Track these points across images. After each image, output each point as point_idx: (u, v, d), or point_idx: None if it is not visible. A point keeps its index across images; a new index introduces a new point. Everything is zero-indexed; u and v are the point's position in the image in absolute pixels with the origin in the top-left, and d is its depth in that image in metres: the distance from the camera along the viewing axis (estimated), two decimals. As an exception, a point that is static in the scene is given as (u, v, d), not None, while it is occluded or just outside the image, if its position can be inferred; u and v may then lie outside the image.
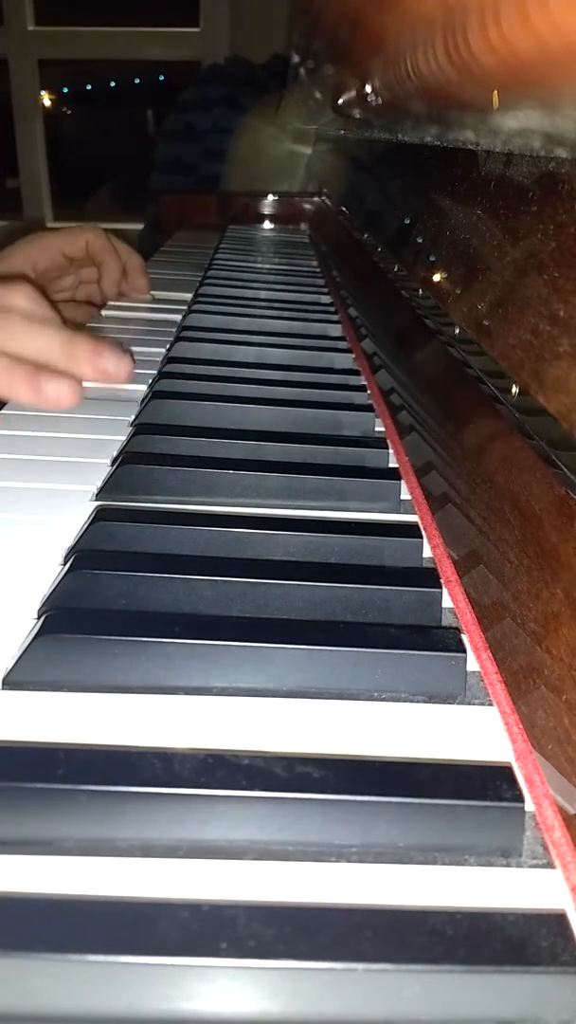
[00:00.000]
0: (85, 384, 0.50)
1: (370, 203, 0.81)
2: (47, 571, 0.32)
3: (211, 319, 0.68)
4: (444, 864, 0.21)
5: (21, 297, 0.50)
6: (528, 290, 0.32)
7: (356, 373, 0.58)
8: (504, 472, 0.33)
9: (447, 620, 0.31)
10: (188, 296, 0.79)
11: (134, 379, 0.51)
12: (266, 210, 1.39)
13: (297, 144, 1.65)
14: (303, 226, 1.36)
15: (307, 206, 1.38)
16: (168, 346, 0.61)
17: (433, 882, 0.20)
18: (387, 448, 0.45)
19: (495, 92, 0.27)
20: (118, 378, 0.49)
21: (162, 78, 2.93)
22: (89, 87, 3.11)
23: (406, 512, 0.39)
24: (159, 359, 0.59)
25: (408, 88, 0.39)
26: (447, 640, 0.28)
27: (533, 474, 0.30)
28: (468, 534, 0.35)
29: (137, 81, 3.04)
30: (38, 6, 2.65)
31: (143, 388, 0.53)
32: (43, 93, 2.78)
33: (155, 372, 0.55)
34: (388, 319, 0.63)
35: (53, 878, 0.20)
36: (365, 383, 0.55)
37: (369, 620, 0.30)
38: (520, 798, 0.22)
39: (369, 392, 0.53)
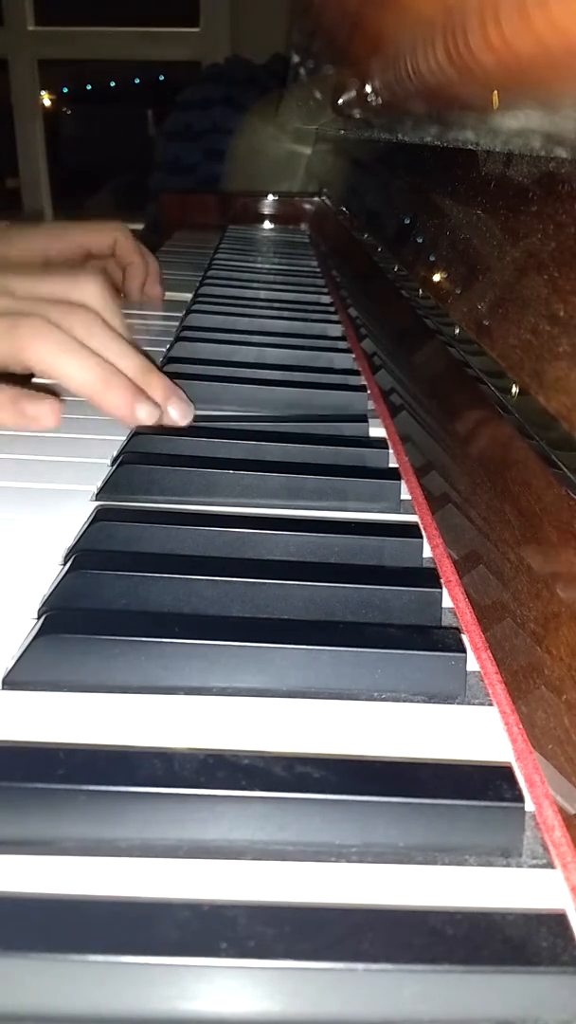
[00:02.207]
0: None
1: (370, 203, 0.81)
2: (47, 571, 0.32)
3: (211, 319, 0.68)
4: (444, 864, 0.21)
5: (95, 292, 0.48)
6: (528, 290, 0.32)
7: (356, 373, 0.58)
8: (504, 472, 0.33)
9: (447, 620, 0.31)
10: (188, 296, 0.79)
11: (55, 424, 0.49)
12: (266, 210, 1.39)
13: (297, 144, 1.65)
14: (303, 226, 1.36)
15: (307, 206, 1.38)
16: (168, 346, 0.61)
17: (433, 882, 0.20)
18: (387, 448, 0.45)
19: (495, 92, 0.27)
20: (175, 424, 0.48)
21: (162, 78, 2.93)
22: (89, 87, 3.11)
23: (406, 512, 0.39)
24: (159, 359, 0.59)
25: (408, 88, 0.39)
26: (447, 640, 0.28)
27: (533, 474, 0.30)
28: (468, 534, 0.35)
29: (137, 81, 3.04)
30: (38, 6, 2.65)
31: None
32: (43, 93, 2.78)
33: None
34: (388, 319, 0.63)
35: (53, 878, 0.20)
36: (365, 383, 0.55)
37: (369, 620, 0.30)
38: (520, 798, 0.22)
39: (369, 392, 0.53)
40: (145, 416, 0.45)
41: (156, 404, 0.45)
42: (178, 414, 0.47)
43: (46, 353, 0.44)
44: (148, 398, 0.45)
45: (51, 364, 0.44)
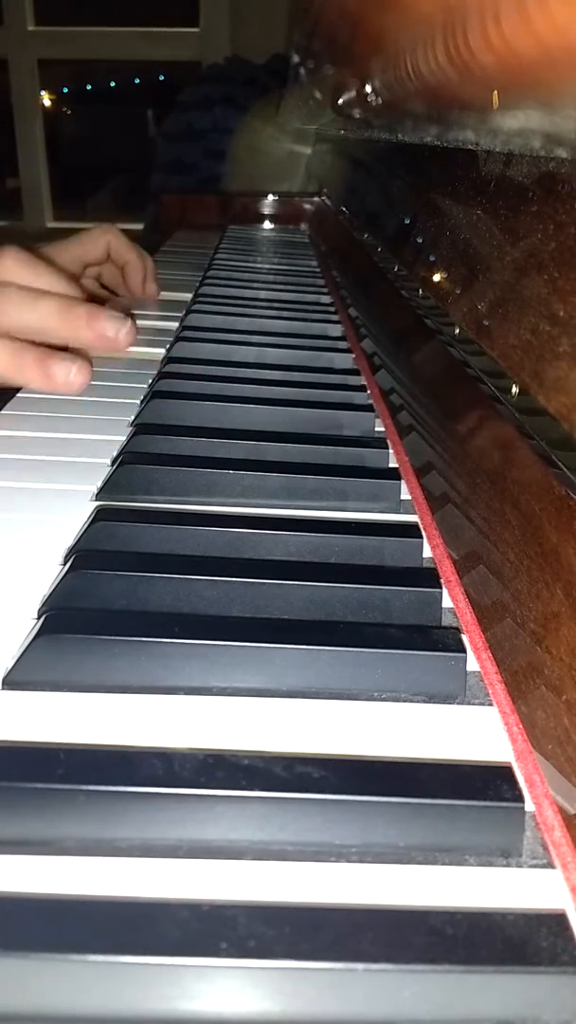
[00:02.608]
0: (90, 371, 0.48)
1: (370, 203, 0.81)
2: (47, 571, 0.32)
3: (211, 319, 0.68)
4: (444, 864, 0.21)
5: (10, 262, 0.48)
6: (528, 290, 0.32)
7: (356, 373, 0.58)
8: (504, 472, 0.33)
9: (447, 620, 0.31)
10: (188, 296, 0.79)
11: (132, 344, 0.49)
12: (266, 210, 1.39)
13: (297, 144, 1.65)
14: (303, 226, 1.36)
15: (307, 206, 1.38)
16: (168, 346, 0.61)
17: (433, 882, 0.20)
18: (387, 448, 0.45)
19: (495, 92, 0.27)
20: (119, 344, 0.48)
21: (162, 78, 2.93)
22: (89, 87, 3.11)
23: (406, 512, 0.39)
24: (159, 359, 0.59)
25: (408, 88, 0.39)
26: (447, 640, 0.28)
27: (533, 474, 0.30)
28: (468, 534, 0.35)
29: (137, 81, 3.04)
30: (38, 6, 2.65)
31: (143, 388, 0.53)
32: (43, 93, 2.79)
33: (155, 372, 0.55)
34: (388, 319, 0.63)
35: (53, 878, 0.20)
36: (365, 383, 0.55)
37: (369, 620, 0.30)
38: (520, 798, 0.22)
39: (369, 392, 0.53)
40: (63, 375, 0.45)
41: (74, 359, 0.45)
42: (112, 331, 0.47)
43: None
44: (63, 355, 0.45)
45: None
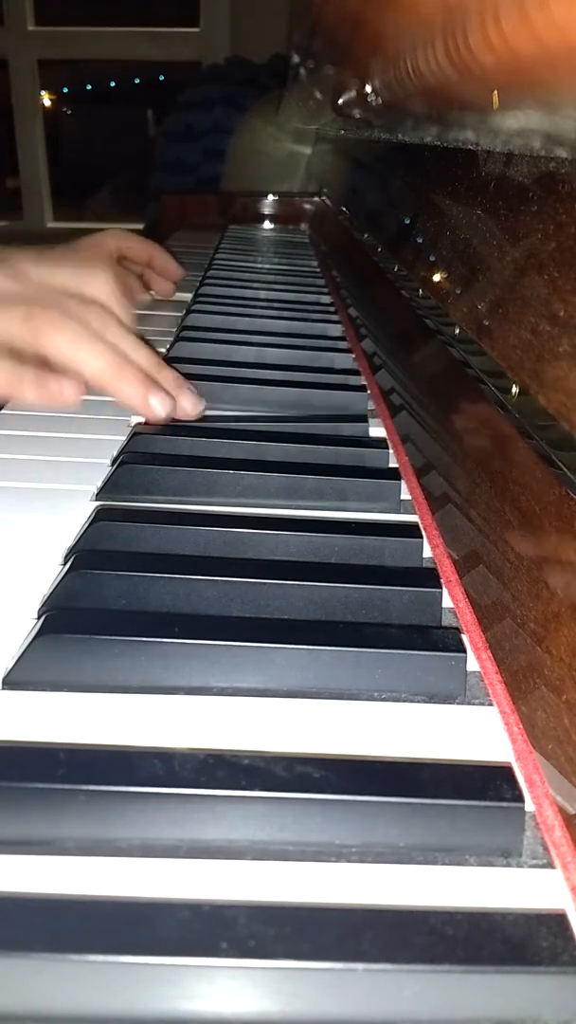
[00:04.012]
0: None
1: (370, 203, 0.81)
2: (47, 571, 0.32)
3: (211, 319, 0.68)
4: (444, 864, 0.21)
5: (105, 287, 0.49)
6: (528, 290, 0.32)
7: (356, 373, 0.58)
8: (504, 472, 0.33)
9: (447, 620, 0.31)
10: (188, 296, 0.79)
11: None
12: (266, 210, 1.39)
13: (297, 144, 1.65)
14: (303, 226, 1.36)
15: (307, 206, 1.38)
16: (168, 346, 0.61)
17: (433, 882, 0.20)
18: (387, 448, 0.45)
19: (495, 92, 0.27)
20: (187, 416, 0.48)
21: (162, 78, 2.93)
22: (89, 87, 3.11)
23: (406, 512, 0.39)
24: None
25: (408, 88, 0.39)
26: (447, 640, 0.28)
27: (533, 474, 0.30)
28: (468, 534, 0.35)
29: (137, 81, 3.04)
30: (38, 6, 2.65)
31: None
32: (43, 93, 2.79)
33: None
34: (388, 319, 0.63)
35: (53, 878, 0.20)
36: (365, 383, 0.55)
37: (369, 620, 0.30)
38: (520, 798, 0.22)
39: (369, 392, 0.53)
40: (158, 405, 0.45)
41: (168, 395, 0.46)
42: (189, 406, 0.47)
43: (63, 342, 0.45)
44: (161, 389, 0.46)
45: (67, 352, 0.45)
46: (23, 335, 0.45)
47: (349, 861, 0.21)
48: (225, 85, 2.07)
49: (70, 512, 0.37)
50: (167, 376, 0.47)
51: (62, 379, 0.47)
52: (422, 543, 0.35)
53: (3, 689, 0.26)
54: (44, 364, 0.47)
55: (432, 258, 0.49)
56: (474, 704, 0.27)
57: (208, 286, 0.80)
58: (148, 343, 0.49)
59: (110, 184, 3.07)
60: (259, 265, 0.97)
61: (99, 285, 0.50)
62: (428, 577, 0.32)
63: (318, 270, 0.97)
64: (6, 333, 0.45)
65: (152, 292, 0.79)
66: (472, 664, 0.28)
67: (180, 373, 0.49)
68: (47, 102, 2.84)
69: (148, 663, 0.27)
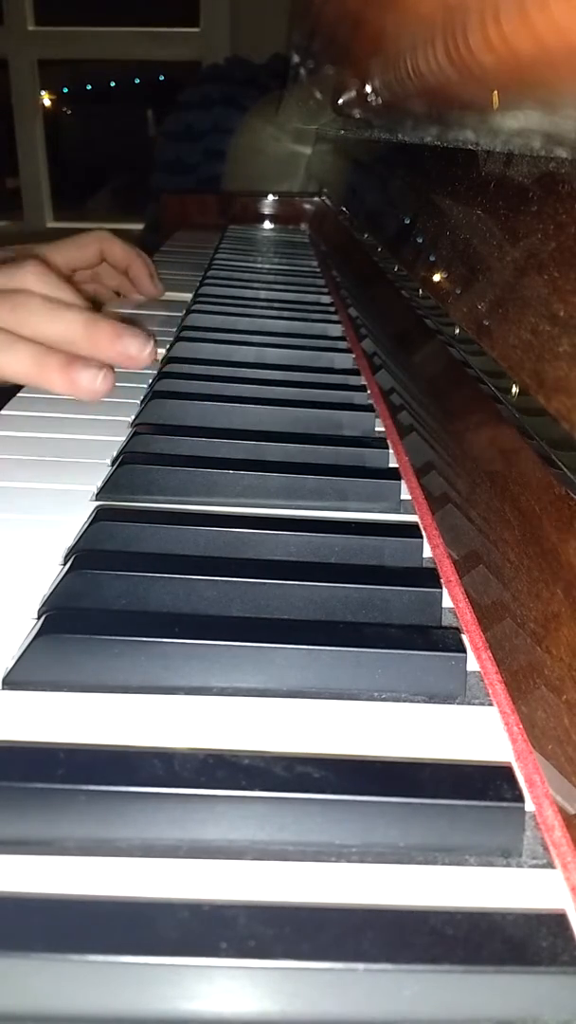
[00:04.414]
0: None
1: (370, 203, 0.81)
2: (47, 571, 0.32)
3: (211, 319, 0.68)
4: (444, 864, 0.21)
5: (32, 276, 0.49)
6: (528, 290, 0.32)
7: (356, 373, 0.58)
8: (504, 472, 0.33)
9: (447, 620, 0.31)
10: (188, 296, 0.79)
11: (156, 362, 0.50)
12: (266, 210, 1.39)
13: (297, 144, 1.65)
14: (303, 226, 1.36)
15: (307, 206, 1.38)
16: (168, 346, 0.61)
17: (433, 882, 0.20)
18: (387, 448, 0.45)
19: (495, 92, 0.27)
20: (141, 361, 0.48)
21: (162, 78, 2.93)
22: (89, 87, 3.11)
23: (406, 512, 0.39)
24: (159, 359, 0.59)
25: (408, 88, 0.39)
26: (447, 640, 0.28)
27: (533, 474, 0.30)
28: (468, 534, 0.35)
29: (137, 81, 3.04)
30: (38, 6, 2.65)
31: (143, 388, 0.53)
32: (43, 93, 2.78)
33: (155, 372, 0.55)
34: (388, 319, 0.63)
35: (53, 878, 0.20)
36: (365, 383, 0.55)
37: (369, 620, 0.30)
38: (520, 798, 0.22)
39: (369, 392, 0.53)
40: (87, 381, 0.45)
41: (100, 365, 0.46)
42: (135, 350, 0.47)
43: None
44: (88, 361, 0.46)
45: None
46: None
47: (349, 861, 0.21)
48: (225, 85, 2.06)
49: (70, 512, 0.37)
50: (102, 332, 0.47)
51: (93, 370, 0.46)
52: (422, 543, 0.35)
53: (3, 689, 0.26)
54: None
55: (432, 258, 0.49)
56: (474, 704, 0.27)
57: (208, 286, 0.80)
58: (82, 307, 0.48)
59: (110, 184, 3.07)
60: (259, 265, 0.97)
61: (22, 275, 0.49)
62: (428, 577, 0.32)
63: (318, 270, 0.97)
64: None
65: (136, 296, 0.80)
66: (472, 664, 0.28)
67: (174, 376, 0.49)
68: (47, 102, 2.84)
69: (148, 663, 0.27)
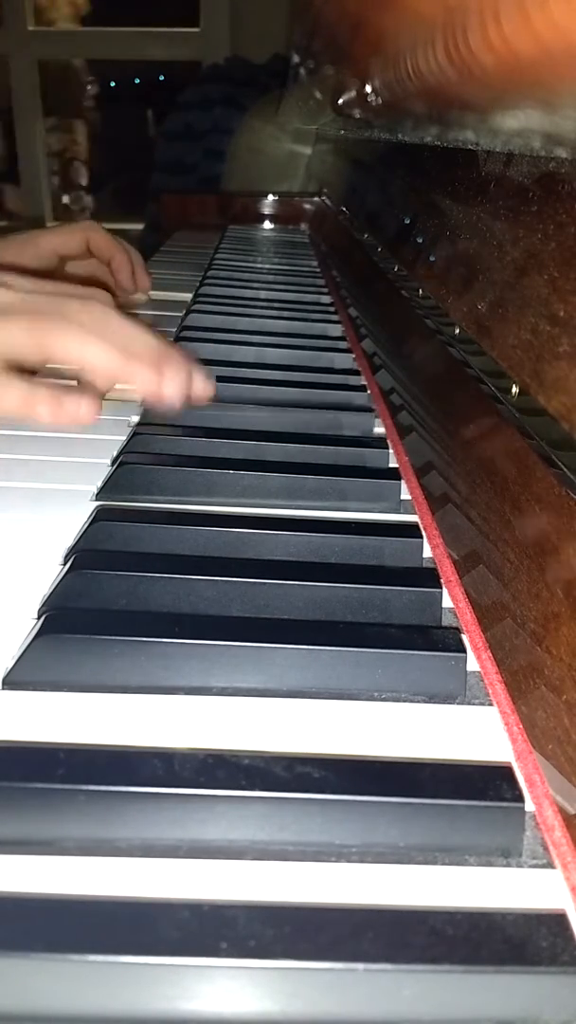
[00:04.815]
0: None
1: (370, 203, 0.81)
2: (47, 571, 0.32)
3: (211, 319, 0.68)
4: (444, 864, 0.21)
5: (104, 295, 0.50)
6: (528, 290, 0.32)
7: (356, 373, 0.58)
8: (504, 472, 0.33)
9: (447, 620, 0.31)
10: (188, 296, 0.79)
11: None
12: (266, 210, 1.39)
13: (297, 144, 1.65)
14: (303, 226, 1.36)
15: (307, 206, 1.38)
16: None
17: (433, 882, 0.20)
18: (387, 448, 0.45)
19: (495, 92, 0.27)
20: (198, 400, 0.49)
21: (162, 78, 2.93)
22: (89, 87, 3.11)
23: (406, 512, 0.39)
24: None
25: (408, 88, 0.39)
26: (447, 640, 0.28)
27: (533, 474, 0.30)
28: (468, 534, 0.35)
29: (137, 81, 3.04)
30: (38, 6, 2.65)
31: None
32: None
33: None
34: (388, 319, 0.63)
35: (53, 878, 0.20)
36: (365, 383, 0.55)
37: (369, 620, 0.30)
38: (520, 798, 0.22)
39: (369, 392, 0.53)
40: (171, 388, 0.46)
41: (82, 392, 0.46)
42: (200, 386, 0.48)
43: (70, 344, 0.45)
44: (170, 372, 0.46)
45: (75, 354, 0.45)
46: (28, 346, 0.45)
47: (349, 861, 0.21)
48: (225, 85, 2.06)
49: (70, 512, 0.37)
50: (175, 358, 0.48)
51: (79, 397, 0.47)
52: (422, 543, 0.35)
53: (3, 689, 0.26)
54: (55, 378, 0.47)
55: (432, 258, 0.49)
56: (474, 704, 0.27)
57: (208, 286, 0.80)
58: (154, 331, 0.49)
59: (110, 184, 3.07)
60: (259, 265, 0.97)
61: (96, 295, 0.50)
62: (428, 577, 0.32)
63: (318, 270, 0.97)
64: (11, 346, 0.45)
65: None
66: (472, 664, 0.28)
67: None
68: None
69: (148, 663, 0.27)
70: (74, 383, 0.48)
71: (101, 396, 0.48)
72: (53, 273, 0.73)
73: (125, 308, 0.76)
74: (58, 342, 0.45)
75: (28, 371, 0.47)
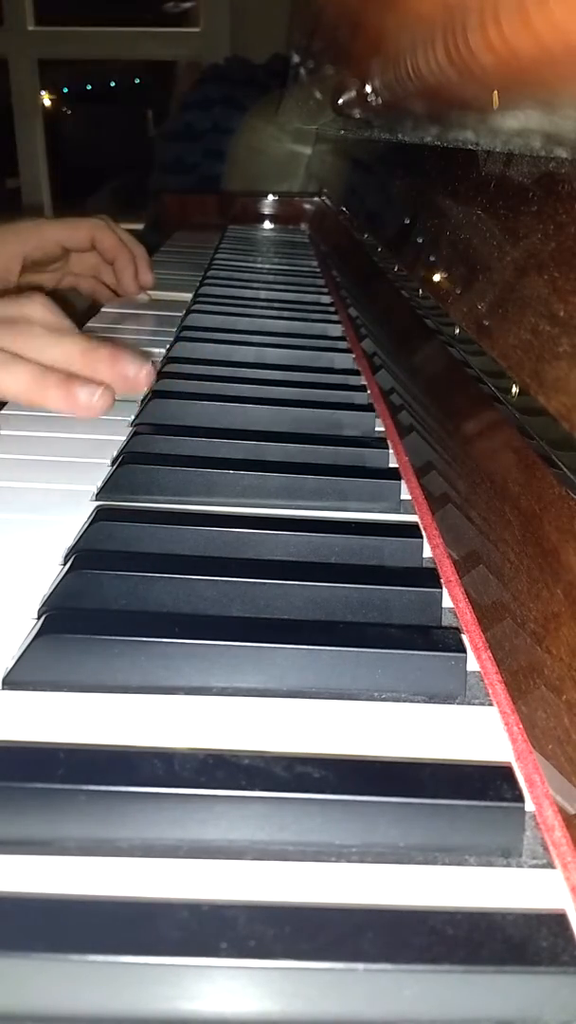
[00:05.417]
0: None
1: (370, 203, 0.81)
2: (47, 571, 0.32)
3: (211, 319, 0.68)
4: (444, 864, 0.21)
5: (38, 307, 0.50)
6: (528, 290, 0.32)
7: (356, 373, 0.58)
8: (504, 472, 0.33)
9: (447, 620, 0.31)
10: (188, 296, 0.79)
11: (152, 385, 0.51)
12: (266, 210, 1.39)
13: (297, 144, 1.65)
14: (303, 226, 1.36)
15: (307, 206, 1.38)
16: (168, 346, 0.61)
17: (433, 882, 0.20)
18: (387, 448, 0.45)
19: (495, 92, 0.27)
20: (139, 385, 0.49)
21: (138, 81, 2.93)
22: (89, 87, 3.11)
23: (406, 512, 0.39)
24: (159, 359, 0.59)
25: (408, 88, 0.39)
26: (447, 640, 0.28)
27: (533, 474, 0.30)
28: (468, 534, 0.35)
29: (137, 81, 3.04)
30: (38, 6, 2.65)
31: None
32: (43, 93, 2.78)
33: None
34: (388, 319, 0.63)
35: (53, 878, 0.20)
36: (365, 383, 0.55)
37: (369, 620, 0.30)
38: (520, 798, 0.22)
39: (369, 392, 0.53)
40: (85, 397, 0.46)
41: (98, 383, 0.47)
42: (132, 372, 0.48)
43: None
44: (89, 380, 0.47)
45: None
46: None
47: (349, 861, 0.21)
48: (225, 85, 2.06)
49: (70, 512, 0.37)
50: (100, 358, 0.48)
51: (91, 387, 0.47)
52: (422, 543, 0.35)
53: (3, 689, 0.26)
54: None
55: (432, 258, 0.49)
56: (474, 704, 0.27)
57: (208, 286, 0.80)
58: (81, 335, 0.50)
59: (110, 184, 3.06)
60: (259, 265, 0.97)
61: (27, 305, 0.51)
62: (428, 577, 0.32)
63: (318, 270, 0.97)
64: None
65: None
66: (472, 664, 0.28)
67: (172, 376, 0.50)
68: (47, 102, 2.84)
69: (148, 663, 0.27)
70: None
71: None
72: (42, 263, 0.73)
73: (125, 307, 0.76)
74: None
75: None
